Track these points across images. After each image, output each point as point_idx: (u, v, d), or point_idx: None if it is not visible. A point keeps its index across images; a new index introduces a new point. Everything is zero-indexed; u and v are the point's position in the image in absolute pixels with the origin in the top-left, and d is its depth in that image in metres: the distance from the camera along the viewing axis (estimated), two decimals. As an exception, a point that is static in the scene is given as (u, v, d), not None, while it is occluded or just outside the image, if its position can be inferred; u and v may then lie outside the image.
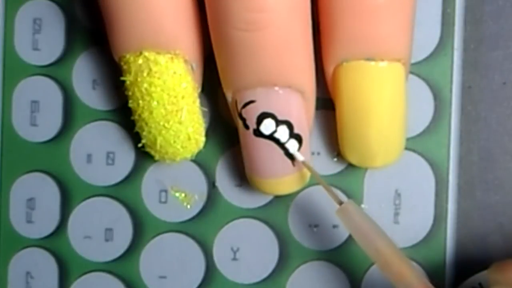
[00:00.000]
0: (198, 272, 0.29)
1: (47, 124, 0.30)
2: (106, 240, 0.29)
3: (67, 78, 0.29)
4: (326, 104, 0.28)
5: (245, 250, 0.29)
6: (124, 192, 0.29)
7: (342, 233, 0.28)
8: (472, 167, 0.28)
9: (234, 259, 0.29)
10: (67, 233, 0.30)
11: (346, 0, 0.24)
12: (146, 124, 0.27)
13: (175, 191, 0.29)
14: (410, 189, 0.28)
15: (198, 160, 0.29)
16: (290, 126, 0.25)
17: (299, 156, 0.26)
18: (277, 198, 0.29)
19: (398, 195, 0.28)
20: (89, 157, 0.29)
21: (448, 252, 0.28)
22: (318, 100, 0.27)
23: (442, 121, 0.28)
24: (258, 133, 0.25)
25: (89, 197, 0.30)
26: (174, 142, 0.27)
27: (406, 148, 0.27)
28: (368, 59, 0.25)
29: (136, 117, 0.27)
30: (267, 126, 0.25)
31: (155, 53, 0.25)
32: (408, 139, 0.27)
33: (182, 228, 0.29)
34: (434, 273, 0.28)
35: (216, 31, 0.25)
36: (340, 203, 0.25)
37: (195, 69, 0.26)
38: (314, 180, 0.28)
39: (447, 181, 0.28)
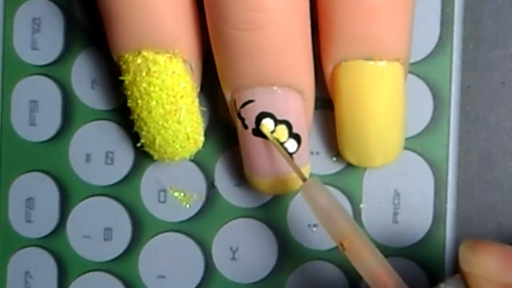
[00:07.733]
0: (197, 271, 0.29)
1: (46, 123, 0.30)
2: (105, 239, 0.29)
3: (66, 78, 0.29)
4: (325, 103, 0.28)
5: (244, 249, 0.29)
6: (123, 191, 0.29)
7: (341, 232, 0.28)
8: (471, 166, 0.28)
9: (233, 258, 0.29)
10: (66, 233, 0.30)
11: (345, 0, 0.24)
12: (145, 123, 0.27)
13: (174, 190, 0.29)
14: (409, 189, 0.28)
15: (197, 160, 0.29)
16: (289, 125, 0.25)
17: (268, 124, 0.25)
18: (276, 197, 0.28)
19: (397, 194, 0.28)
20: (88, 157, 0.29)
21: (447, 251, 0.28)
22: (317, 99, 0.27)
23: (441, 121, 0.28)
24: (257, 132, 0.25)
25: (88, 197, 0.29)
26: (173, 141, 0.27)
27: (405, 148, 0.27)
28: (367, 58, 0.25)
29: (135, 116, 0.27)
30: (266, 126, 0.25)
31: (154, 53, 0.25)
32: (407, 139, 0.27)
33: (181, 227, 0.29)
34: (433, 273, 0.28)
35: (214, 30, 0.25)
36: (304, 179, 0.24)
37: (193, 69, 0.26)
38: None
39: (446, 181, 0.28)
